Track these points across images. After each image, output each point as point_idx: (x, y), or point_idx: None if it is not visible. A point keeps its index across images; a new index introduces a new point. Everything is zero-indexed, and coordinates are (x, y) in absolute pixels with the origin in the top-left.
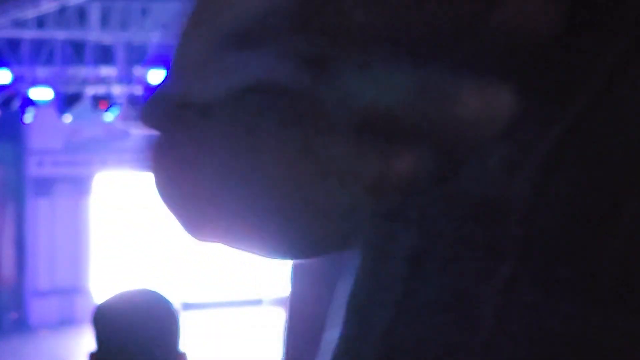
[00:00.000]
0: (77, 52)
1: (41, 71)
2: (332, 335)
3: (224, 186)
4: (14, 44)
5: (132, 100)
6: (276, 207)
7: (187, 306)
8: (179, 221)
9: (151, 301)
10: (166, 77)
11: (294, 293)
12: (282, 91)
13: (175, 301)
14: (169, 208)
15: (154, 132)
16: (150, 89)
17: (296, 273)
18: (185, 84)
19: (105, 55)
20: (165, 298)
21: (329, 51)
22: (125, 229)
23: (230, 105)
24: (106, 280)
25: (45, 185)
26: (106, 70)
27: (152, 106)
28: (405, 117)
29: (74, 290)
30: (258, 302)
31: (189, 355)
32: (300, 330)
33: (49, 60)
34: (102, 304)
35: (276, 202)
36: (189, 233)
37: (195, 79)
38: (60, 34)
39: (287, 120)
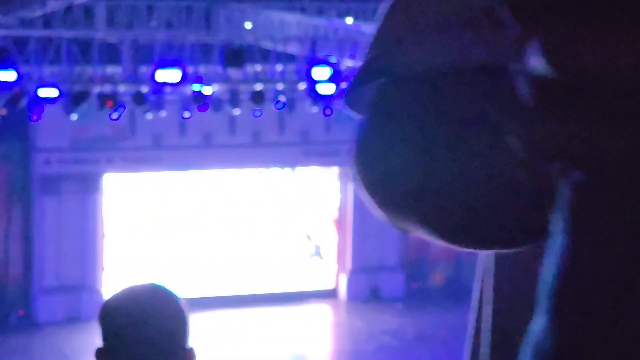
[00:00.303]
0: (83, 51)
1: (48, 70)
2: (539, 325)
3: (433, 160)
4: (20, 43)
5: (138, 98)
6: (478, 190)
7: (196, 303)
8: (380, 203)
9: (158, 297)
10: (377, 54)
11: (492, 285)
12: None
13: (183, 297)
14: (371, 191)
15: (363, 113)
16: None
17: (497, 264)
18: (410, 57)
19: (111, 54)
20: (173, 293)
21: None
22: (133, 227)
23: (455, 79)
24: (113, 278)
25: (52, 183)
26: (112, 69)
27: (361, 84)
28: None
29: (80, 287)
30: (267, 299)
31: (197, 351)
32: (500, 324)
33: (56, 59)
34: (109, 300)
35: (479, 182)
36: (391, 217)
37: (424, 52)
38: (66, 33)
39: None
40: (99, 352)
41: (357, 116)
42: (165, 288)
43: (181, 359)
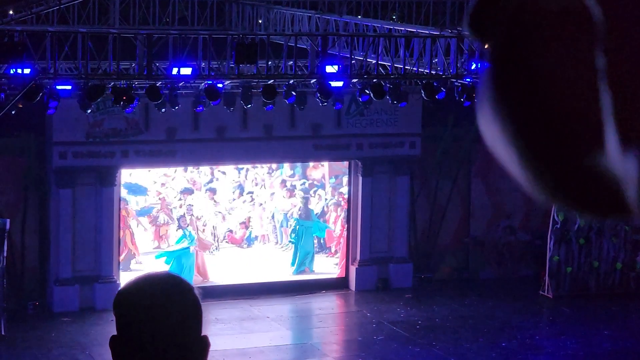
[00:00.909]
0: (98, 46)
1: (63, 65)
2: None
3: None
4: (37, 38)
5: (152, 93)
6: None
7: (207, 292)
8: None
9: (172, 285)
10: None
11: None
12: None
13: (195, 285)
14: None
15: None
16: None
17: None
18: None
19: (126, 49)
20: (186, 282)
21: None
22: (147, 219)
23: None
24: (127, 269)
25: (67, 176)
26: (127, 64)
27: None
28: None
29: (95, 278)
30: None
31: (210, 340)
32: None
33: (71, 54)
34: (123, 288)
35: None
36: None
37: None
38: (82, 29)
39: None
40: (114, 340)
41: (484, 46)
42: (178, 276)
43: (195, 347)
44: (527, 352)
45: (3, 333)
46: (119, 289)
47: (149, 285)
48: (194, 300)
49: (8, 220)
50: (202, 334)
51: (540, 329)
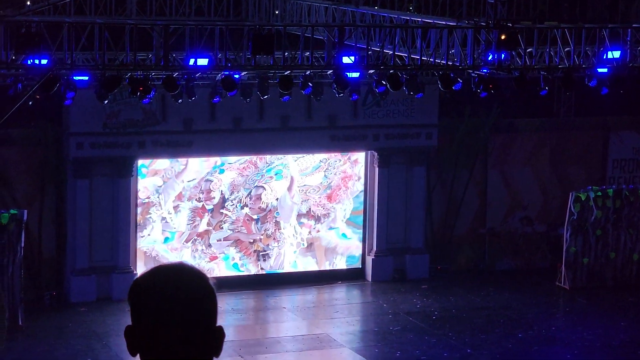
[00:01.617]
0: (115, 37)
1: (80, 56)
2: None
3: None
4: (54, 30)
5: (169, 84)
6: None
7: (224, 282)
8: None
9: (186, 275)
10: None
11: None
12: None
13: (211, 275)
14: None
15: None
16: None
17: None
18: None
19: (142, 40)
20: (201, 272)
21: None
22: (163, 210)
23: None
24: (143, 259)
25: (84, 167)
26: (144, 55)
27: None
28: None
29: (111, 268)
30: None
31: (226, 330)
32: None
33: (88, 45)
34: (138, 279)
35: None
36: None
37: None
38: (99, 20)
39: None
40: (129, 330)
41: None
42: (193, 267)
43: (209, 337)
44: (543, 343)
45: (20, 323)
46: (134, 279)
47: (163, 275)
48: (209, 290)
49: (25, 211)
50: (217, 324)
51: (557, 320)
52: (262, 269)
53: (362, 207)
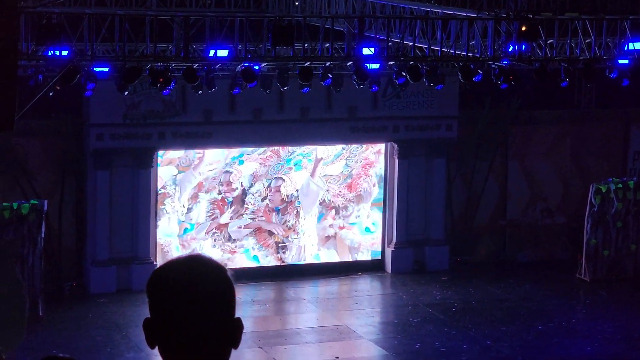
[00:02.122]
0: (135, 28)
1: (101, 47)
2: None
3: None
4: (74, 21)
5: (189, 75)
6: None
7: (243, 274)
8: None
9: (204, 267)
10: None
11: None
12: None
13: (229, 267)
14: None
15: None
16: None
17: None
18: None
19: (163, 31)
20: (218, 264)
21: None
22: (182, 201)
23: None
24: (163, 250)
25: (104, 158)
26: (164, 46)
27: None
28: None
29: (131, 259)
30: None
31: (246, 321)
32: None
33: (109, 37)
34: (156, 271)
35: None
36: None
37: None
38: (119, 11)
39: None
40: (147, 322)
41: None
42: (210, 258)
43: (228, 328)
44: (564, 335)
45: (41, 314)
46: (152, 271)
47: (181, 267)
48: (227, 281)
49: (46, 202)
50: (236, 315)
51: (577, 313)
52: (282, 260)
53: (382, 199)
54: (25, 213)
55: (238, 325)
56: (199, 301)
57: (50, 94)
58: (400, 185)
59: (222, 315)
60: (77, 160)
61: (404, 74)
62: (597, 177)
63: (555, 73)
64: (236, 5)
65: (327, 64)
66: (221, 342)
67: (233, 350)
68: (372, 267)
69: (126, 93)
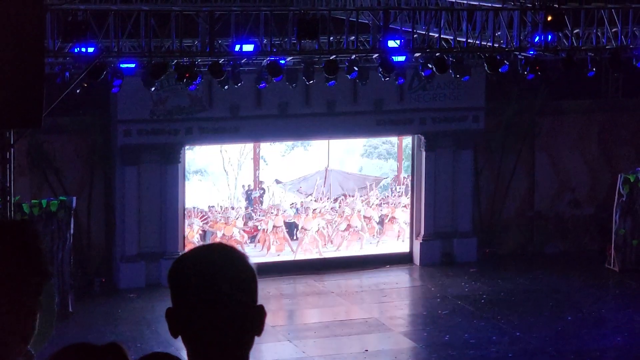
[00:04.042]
0: (161, 24)
1: (127, 43)
2: None
3: None
4: (100, 18)
5: (215, 70)
6: None
7: (272, 268)
8: None
9: (226, 256)
10: None
11: None
12: None
13: (250, 256)
14: None
15: None
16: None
17: None
18: None
19: (188, 26)
20: (240, 252)
21: None
22: (210, 197)
23: None
24: (192, 245)
25: (132, 154)
26: (190, 41)
27: None
28: None
29: (160, 254)
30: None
31: (276, 315)
32: None
33: (135, 33)
34: (177, 260)
35: None
36: None
37: None
38: (145, 7)
39: None
40: (170, 312)
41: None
42: (232, 247)
43: (250, 316)
44: (593, 326)
45: (70, 309)
46: (174, 261)
47: (203, 255)
48: (249, 269)
49: (74, 198)
50: (265, 308)
51: (606, 303)
52: (320, 253)
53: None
54: (55, 210)
55: (261, 313)
56: (222, 289)
57: (77, 91)
58: (428, 177)
59: (245, 302)
60: (105, 156)
61: (430, 66)
62: (625, 166)
63: (582, 63)
64: (261, 0)
65: (353, 56)
66: (245, 329)
67: (256, 337)
68: (400, 260)
69: (153, 89)
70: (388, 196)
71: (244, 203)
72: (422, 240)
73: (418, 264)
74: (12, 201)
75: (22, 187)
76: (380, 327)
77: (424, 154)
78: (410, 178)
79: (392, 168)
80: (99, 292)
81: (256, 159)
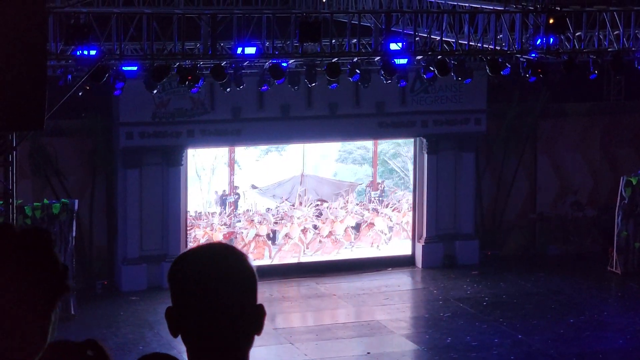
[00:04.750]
0: (163, 27)
1: (129, 46)
2: None
3: None
4: (102, 20)
5: (217, 72)
6: None
7: (274, 270)
8: None
9: (226, 255)
10: None
11: None
12: None
13: (250, 256)
14: None
15: None
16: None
17: None
18: None
19: (190, 29)
20: (239, 252)
21: None
22: (232, 199)
23: None
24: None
25: (134, 156)
26: (192, 44)
27: None
28: None
29: (162, 257)
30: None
31: (278, 317)
32: None
33: (137, 35)
34: (177, 259)
35: None
36: None
37: None
38: (147, 10)
39: None
40: (169, 311)
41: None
42: (232, 246)
43: (250, 316)
44: (595, 329)
45: (72, 312)
46: (174, 260)
47: (203, 254)
48: (248, 268)
49: (77, 201)
50: (258, 302)
51: (609, 306)
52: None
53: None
54: (57, 212)
55: (261, 312)
56: (222, 288)
57: (80, 93)
58: (430, 180)
59: (245, 301)
60: (107, 159)
61: (432, 69)
62: (627, 169)
63: (584, 65)
64: (263, 2)
65: (355, 59)
66: (245, 328)
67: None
68: (402, 262)
69: (155, 91)
70: (370, 202)
71: (217, 209)
72: (424, 242)
73: (420, 266)
74: (15, 204)
75: (24, 189)
76: (382, 330)
77: (425, 156)
78: (383, 183)
79: (366, 173)
80: (100, 295)
81: (232, 164)
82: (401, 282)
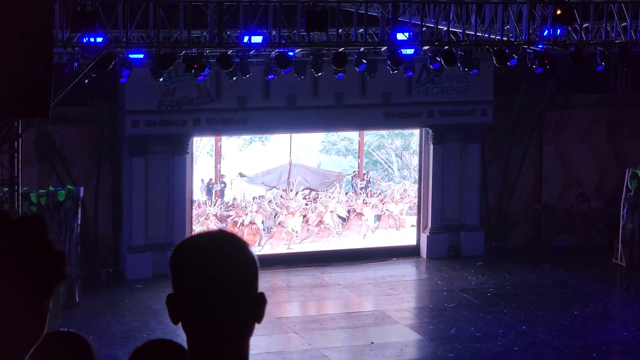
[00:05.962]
0: (169, 15)
1: (136, 33)
2: None
3: None
4: (109, 8)
5: (223, 61)
6: None
7: (279, 260)
8: None
9: (227, 243)
10: None
11: None
12: None
13: (250, 244)
14: None
15: None
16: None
17: None
18: None
19: (197, 17)
20: (240, 239)
21: None
22: (218, 187)
23: None
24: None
25: (140, 145)
26: (198, 32)
27: None
28: None
29: (167, 245)
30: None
31: (283, 307)
32: None
33: (143, 23)
34: (178, 247)
35: None
36: None
37: None
38: None
39: None
40: (170, 298)
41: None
42: (232, 234)
43: (250, 303)
44: (600, 320)
45: (77, 300)
46: (174, 247)
47: (203, 242)
48: (249, 256)
49: (82, 188)
50: (259, 290)
51: (613, 297)
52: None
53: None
54: (62, 200)
55: (261, 300)
56: (224, 275)
57: (86, 81)
58: (435, 171)
59: (247, 289)
60: (112, 147)
61: (439, 59)
62: (633, 161)
63: (591, 57)
64: None
65: (361, 49)
66: (245, 316)
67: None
68: (407, 253)
69: (161, 80)
70: (357, 194)
71: (203, 197)
72: (429, 233)
73: (425, 257)
74: (20, 191)
75: (29, 176)
76: (387, 320)
77: (431, 147)
78: (368, 174)
79: (350, 164)
80: (105, 283)
81: (217, 153)
82: (406, 272)
